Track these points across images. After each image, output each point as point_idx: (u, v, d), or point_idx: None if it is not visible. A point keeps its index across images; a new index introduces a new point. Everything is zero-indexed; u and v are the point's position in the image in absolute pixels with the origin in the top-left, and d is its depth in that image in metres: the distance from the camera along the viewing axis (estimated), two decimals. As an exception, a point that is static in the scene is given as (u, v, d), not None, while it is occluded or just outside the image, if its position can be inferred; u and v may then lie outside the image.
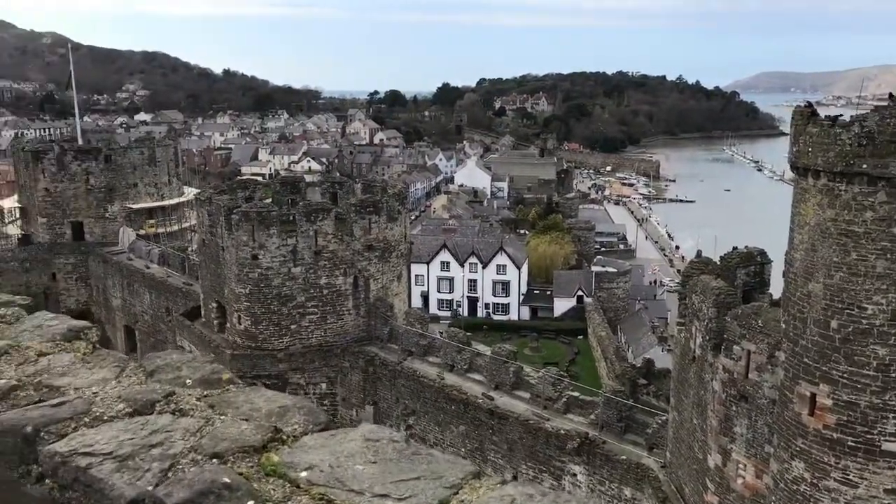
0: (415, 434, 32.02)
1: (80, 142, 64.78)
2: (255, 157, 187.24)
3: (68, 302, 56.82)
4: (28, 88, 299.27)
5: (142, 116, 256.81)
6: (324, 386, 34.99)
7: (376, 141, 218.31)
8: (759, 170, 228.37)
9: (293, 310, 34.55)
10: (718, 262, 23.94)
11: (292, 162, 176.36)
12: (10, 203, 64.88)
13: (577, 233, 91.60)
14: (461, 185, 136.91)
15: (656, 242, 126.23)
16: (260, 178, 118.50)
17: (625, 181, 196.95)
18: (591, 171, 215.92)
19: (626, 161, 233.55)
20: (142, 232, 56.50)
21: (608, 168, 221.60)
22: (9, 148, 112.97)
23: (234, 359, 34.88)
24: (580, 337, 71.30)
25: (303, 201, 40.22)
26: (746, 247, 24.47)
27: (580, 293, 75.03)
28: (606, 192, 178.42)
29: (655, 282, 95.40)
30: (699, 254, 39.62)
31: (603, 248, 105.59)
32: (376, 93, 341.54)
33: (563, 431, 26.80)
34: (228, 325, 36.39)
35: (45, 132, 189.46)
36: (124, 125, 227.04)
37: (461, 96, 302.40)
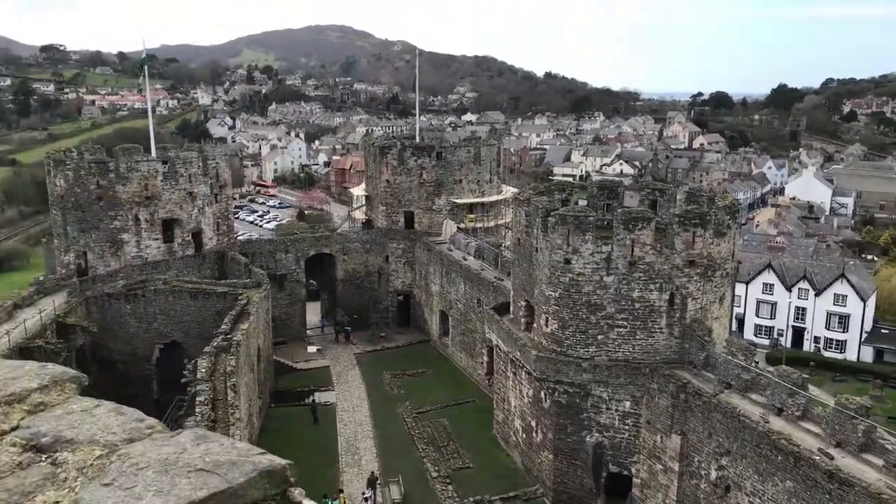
0: (727, 477, 28.45)
1: (418, 139, 71.35)
2: (567, 159, 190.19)
3: (395, 283, 63.11)
4: (379, 90, 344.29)
5: (468, 117, 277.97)
6: (627, 404, 33.04)
7: (696, 145, 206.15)
8: None
9: (602, 320, 33.18)
10: None
11: (604, 164, 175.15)
12: (359, 191, 74.38)
13: (947, 265, 74.98)
14: (793, 198, 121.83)
15: None
16: (570, 179, 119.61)
17: None
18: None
19: None
20: (462, 225, 60.20)
21: None
22: (360, 142, 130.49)
23: (539, 360, 34.80)
24: (943, 393, 58.23)
25: (620, 207, 38.59)
26: None
27: (946, 339, 61.31)
28: None
29: None
30: None
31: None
32: (700, 94, 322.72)
33: (932, 520, 21.21)
34: (535, 325, 36.41)
35: (389, 129, 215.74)
36: (452, 124, 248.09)
37: (800, 98, 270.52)
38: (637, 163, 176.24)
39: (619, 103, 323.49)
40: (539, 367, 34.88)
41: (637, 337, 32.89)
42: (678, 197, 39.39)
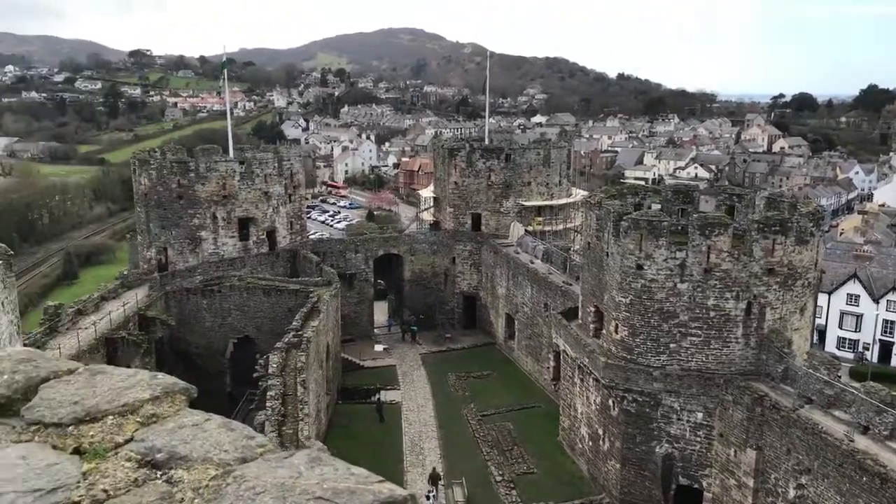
0: (807, 496, 27.18)
1: (487, 141, 71.22)
2: (640, 162, 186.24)
3: (461, 284, 63.16)
4: (448, 93, 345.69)
5: (537, 118, 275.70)
6: (699, 416, 32.01)
7: (775, 149, 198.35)
8: None
9: (674, 328, 32.28)
10: None
11: (678, 167, 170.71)
12: (427, 192, 74.89)
13: None
14: (882, 205, 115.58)
15: None
16: (642, 183, 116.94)
17: None
18: None
19: None
20: (529, 228, 59.70)
21: None
22: (429, 144, 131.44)
23: (608, 367, 34.16)
24: None
25: (696, 212, 37.46)
26: None
27: None
28: None
29: None
30: None
31: None
32: (781, 96, 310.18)
33: None
34: (604, 331, 35.76)
35: (458, 132, 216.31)
36: (521, 126, 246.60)
37: (892, 100, 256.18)
38: (713, 166, 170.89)
39: (694, 105, 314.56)
40: (608, 375, 34.23)
41: (711, 346, 31.85)
42: (757, 202, 37.95)
